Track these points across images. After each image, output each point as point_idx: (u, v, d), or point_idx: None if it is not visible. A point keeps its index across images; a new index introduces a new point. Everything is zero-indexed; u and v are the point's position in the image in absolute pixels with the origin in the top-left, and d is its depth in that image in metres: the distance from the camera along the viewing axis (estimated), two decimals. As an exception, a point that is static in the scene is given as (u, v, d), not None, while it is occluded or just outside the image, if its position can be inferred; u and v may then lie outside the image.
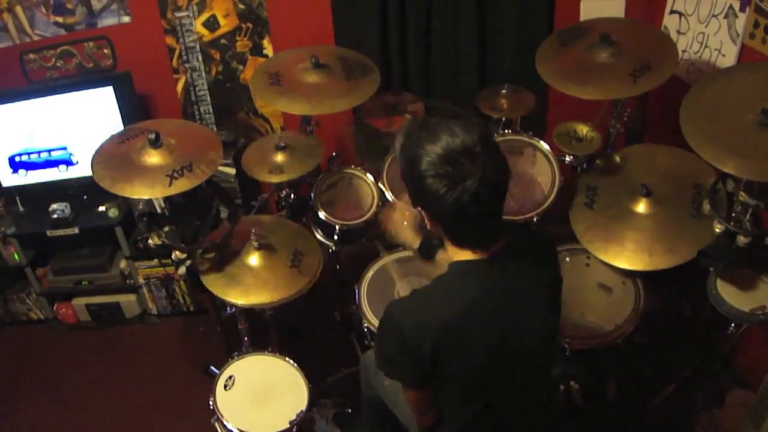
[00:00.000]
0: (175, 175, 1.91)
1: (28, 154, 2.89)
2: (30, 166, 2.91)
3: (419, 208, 1.35)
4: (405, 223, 1.89)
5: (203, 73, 3.08)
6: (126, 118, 2.78)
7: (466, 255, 1.35)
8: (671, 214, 2.00)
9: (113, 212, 2.89)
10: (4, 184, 2.95)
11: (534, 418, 1.53)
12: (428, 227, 1.37)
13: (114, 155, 1.99)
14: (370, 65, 2.46)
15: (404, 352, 1.33)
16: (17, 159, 2.90)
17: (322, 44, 2.78)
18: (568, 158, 2.29)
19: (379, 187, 2.41)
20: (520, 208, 2.20)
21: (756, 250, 1.78)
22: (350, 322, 2.64)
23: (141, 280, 3.04)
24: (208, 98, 3.14)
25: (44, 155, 2.89)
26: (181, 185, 1.91)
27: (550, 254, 1.51)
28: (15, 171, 2.92)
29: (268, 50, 3.00)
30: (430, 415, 1.55)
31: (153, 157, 1.96)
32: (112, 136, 2.07)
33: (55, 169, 2.91)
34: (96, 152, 1.99)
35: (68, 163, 2.91)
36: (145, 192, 1.90)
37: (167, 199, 2.15)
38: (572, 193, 2.21)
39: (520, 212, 2.18)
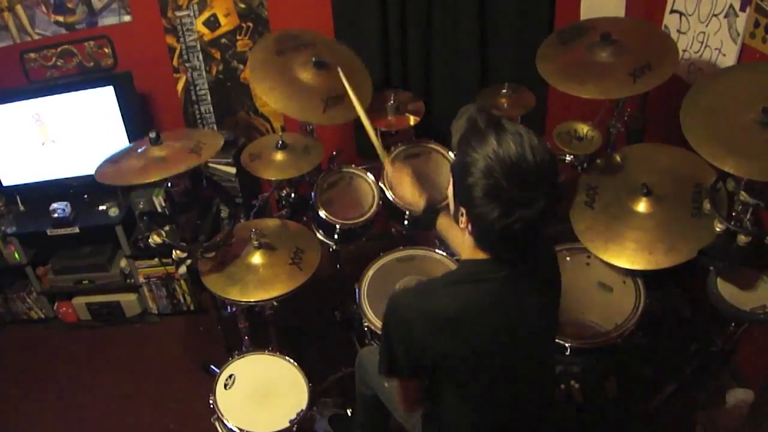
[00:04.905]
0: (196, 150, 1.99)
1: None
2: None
3: (461, 207, 1.22)
4: (406, 184, 1.76)
5: (204, 73, 3.08)
6: (126, 118, 2.78)
7: (477, 253, 1.31)
8: (672, 213, 2.00)
9: (114, 211, 2.89)
10: (5, 183, 2.96)
11: (534, 416, 1.53)
12: (461, 225, 1.26)
13: (120, 165, 2.00)
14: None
15: (406, 342, 1.31)
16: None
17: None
18: (568, 158, 2.29)
19: (379, 187, 2.41)
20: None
21: (756, 250, 1.78)
22: (351, 322, 2.63)
23: (141, 280, 3.04)
24: (209, 97, 3.14)
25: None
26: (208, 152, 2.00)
27: (550, 254, 1.49)
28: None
29: (269, 49, 2.99)
30: (418, 406, 1.53)
31: (154, 152, 1.99)
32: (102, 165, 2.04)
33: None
34: (99, 175, 1.97)
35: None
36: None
37: (168, 198, 2.16)
38: (573, 192, 2.21)
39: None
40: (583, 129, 2.24)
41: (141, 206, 2.83)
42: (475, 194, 1.12)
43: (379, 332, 2.02)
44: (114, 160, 2.05)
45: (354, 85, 2.13)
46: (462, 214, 1.23)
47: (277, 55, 2.40)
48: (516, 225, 1.10)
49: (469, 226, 1.24)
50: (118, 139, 2.77)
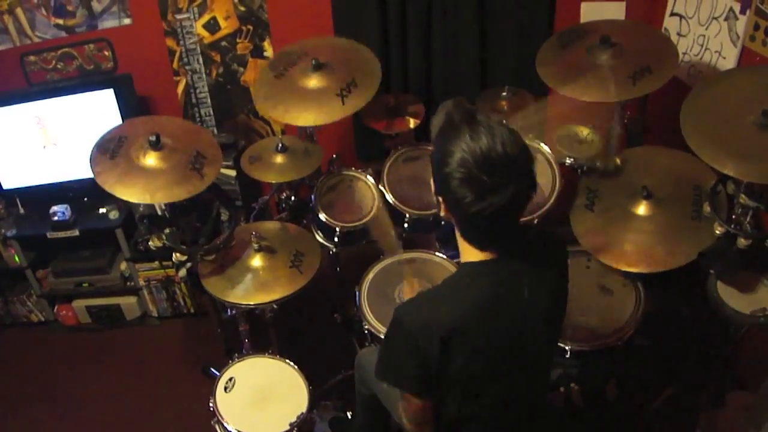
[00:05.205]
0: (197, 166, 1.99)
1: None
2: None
3: (439, 196, 1.30)
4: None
5: (204, 76, 3.08)
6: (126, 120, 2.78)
7: (474, 253, 1.33)
8: (671, 216, 2.00)
9: (114, 214, 2.90)
10: (5, 186, 2.96)
11: (532, 419, 1.53)
12: (442, 213, 1.32)
13: (121, 169, 1.97)
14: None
15: (413, 355, 1.30)
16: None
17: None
18: (568, 160, 2.29)
19: (379, 189, 2.41)
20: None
21: (756, 253, 1.78)
22: (351, 324, 2.64)
23: (141, 282, 3.04)
24: (209, 100, 3.14)
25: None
26: (211, 173, 2.01)
27: (559, 256, 1.48)
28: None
29: (269, 52, 3.00)
30: (428, 428, 1.49)
31: (154, 160, 1.98)
32: (96, 157, 2.01)
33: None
34: (98, 174, 1.95)
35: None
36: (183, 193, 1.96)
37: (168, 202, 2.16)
38: (573, 195, 2.21)
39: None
40: (583, 132, 2.24)
41: (141, 209, 2.83)
42: (452, 183, 1.20)
43: (380, 335, 2.03)
44: (109, 154, 2.01)
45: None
46: (441, 202, 1.30)
47: (277, 79, 2.39)
48: (488, 210, 1.18)
49: (450, 215, 1.31)
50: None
